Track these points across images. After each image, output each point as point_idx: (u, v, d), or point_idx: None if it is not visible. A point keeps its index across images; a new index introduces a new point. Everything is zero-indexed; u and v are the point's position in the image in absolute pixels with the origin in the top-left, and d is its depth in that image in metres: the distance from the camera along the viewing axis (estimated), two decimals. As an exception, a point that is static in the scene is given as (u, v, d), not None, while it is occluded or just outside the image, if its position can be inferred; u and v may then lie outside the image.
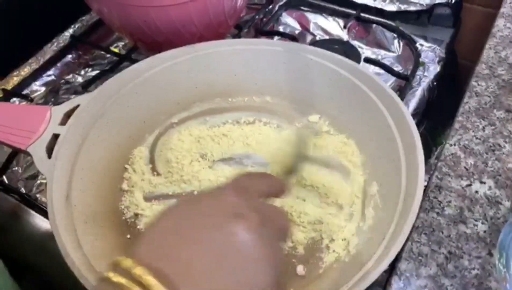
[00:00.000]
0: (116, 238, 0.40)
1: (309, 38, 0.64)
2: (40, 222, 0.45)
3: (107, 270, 0.22)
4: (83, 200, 0.38)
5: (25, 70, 0.62)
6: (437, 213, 0.39)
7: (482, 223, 0.38)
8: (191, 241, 0.23)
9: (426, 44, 0.62)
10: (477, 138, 0.44)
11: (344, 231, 0.40)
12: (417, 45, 0.61)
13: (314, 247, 0.40)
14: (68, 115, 0.42)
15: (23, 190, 0.49)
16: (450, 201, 0.40)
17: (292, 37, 0.64)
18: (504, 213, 0.39)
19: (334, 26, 0.65)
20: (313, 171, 0.44)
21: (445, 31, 0.63)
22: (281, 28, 0.66)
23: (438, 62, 0.59)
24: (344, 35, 0.64)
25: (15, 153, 0.51)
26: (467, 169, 0.42)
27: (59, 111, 0.42)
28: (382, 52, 0.62)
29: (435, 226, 0.38)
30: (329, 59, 0.46)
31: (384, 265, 0.32)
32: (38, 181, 0.49)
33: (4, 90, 0.59)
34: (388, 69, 0.58)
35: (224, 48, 0.49)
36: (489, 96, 0.48)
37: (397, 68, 0.59)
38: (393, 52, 0.62)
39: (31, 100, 0.59)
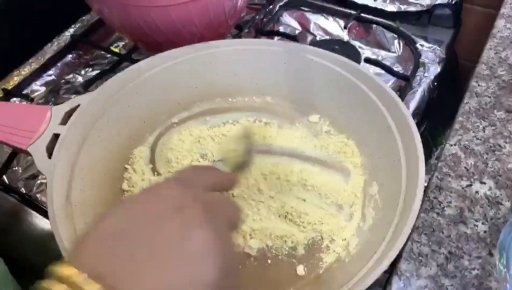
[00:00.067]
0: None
1: (309, 38, 0.64)
2: (40, 222, 0.45)
3: (46, 279, 0.21)
4: (83, 200, 0.38)
5: (26, 70, 0.62)
6: (437, 213, 0.39)
7: (483, 223, 0.38)
8: (131, 241, 0.23)
9: (426, 44, 0.61)
10: (477, 139, 0.44)
11: (344, 231, 0.40)
12: (418, 45, 0.61)
13: (314, 247, 0.40)
14: (68, 115, 0.42)
15: (23, 190, 0.49)
16: (450, 202, 0.40)
17: (293, 37, 0.64)
18: (504, 214, 0.39)
19: (334, 26, 0.65)
20: (313, 171, 0.44)
21: (445, 31, 0.63)
22: (281, 28, 0.66)
23: (439, 62, 0.59)
24: (344, 36, 0.64)
25: (15, 153, 0.51)
26: (467, 170, 0.42)
27: (59, 111, 0.42)
28: (383, 52, 0.62)
29: (435, 226, 0.38)
30: (330, 60, 0.46)
31: (384, 265, 0.32)
32: (38, 181, 0.49)
33: (4, 90, 0.59)
34: (388, 70, 0.58)
35: (225, 48, 0.49)
36: (489, 97, 0.48)
37: (398, 68, 0.59)
38: (393, 52, 0.62)
39: (32, 100, 0.59)
